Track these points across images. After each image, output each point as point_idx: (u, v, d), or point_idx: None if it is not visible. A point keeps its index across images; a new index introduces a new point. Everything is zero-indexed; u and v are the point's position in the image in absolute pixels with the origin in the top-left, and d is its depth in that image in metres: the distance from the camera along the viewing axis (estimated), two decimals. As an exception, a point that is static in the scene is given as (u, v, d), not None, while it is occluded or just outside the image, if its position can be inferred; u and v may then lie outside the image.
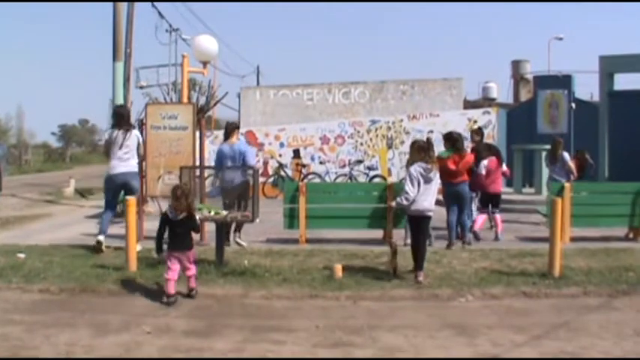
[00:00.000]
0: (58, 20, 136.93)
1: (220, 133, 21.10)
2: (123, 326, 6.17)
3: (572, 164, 12.32)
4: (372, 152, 20.22)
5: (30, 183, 26.80)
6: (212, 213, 8.25)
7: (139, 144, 9.78)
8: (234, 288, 7.36)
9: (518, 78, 33.39)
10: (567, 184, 10.79)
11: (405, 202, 7.83)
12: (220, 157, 10.26)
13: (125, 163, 9.59)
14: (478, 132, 12.05)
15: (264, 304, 6.94)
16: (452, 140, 9.92)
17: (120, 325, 6.22)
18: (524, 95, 31.06)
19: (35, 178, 31.18)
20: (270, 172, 19.90)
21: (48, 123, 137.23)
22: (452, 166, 9.66)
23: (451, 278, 7.76)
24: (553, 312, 6.65)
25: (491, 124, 19.28)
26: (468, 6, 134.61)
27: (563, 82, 20.86)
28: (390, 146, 20.15)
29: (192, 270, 7.16)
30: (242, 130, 18.99)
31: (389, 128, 20.20)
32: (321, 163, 20.27)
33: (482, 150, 11.08)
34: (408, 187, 7.80)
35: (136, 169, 9.78)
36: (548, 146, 14.86)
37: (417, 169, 7.85)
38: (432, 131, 18.22)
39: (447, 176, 9.43)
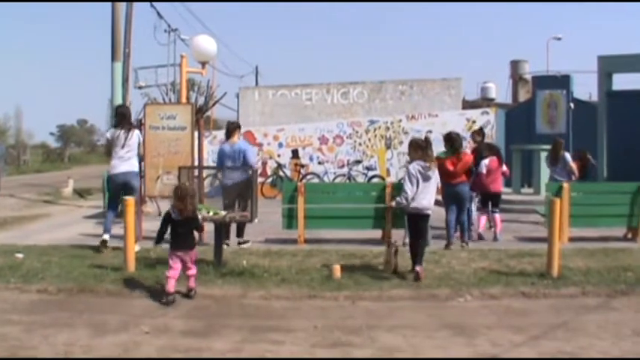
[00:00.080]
0: (56, 20, 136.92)
1: (219, 134, 21.16)
2: (121, 326, 6.17)
3: (573, 165, 12.34)
4: (370, 152, 20.22)
5: (28, 183, 26.80)
6: (211, 213, 8.26)
7: (139, 144, 9.80)
8: (232, 288, 7.35)
9: (516, 78, 33.42)
10: (565, 185, 10.79)
11: (404, 202, 7.86)
12: (221, 156, 10.29)
13: (126, 162, 9.61)
14: (479, 132, 12.14)
15: (262, 305, 6.94)
16: (450, 141, 9.94)
17: (118, 325, 6.21)
18: (523, 95, 31.09)
19: (33, 179, 31.18)
20: (269, 172, 19.89)
21: (46, 123, 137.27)
22: (450, 167, 9.68)
23: (450, 278, 7.76)
24: (551, 312, 6.65)
25: (490, 124, 19.28)
26: (467, 6, 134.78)
27: (562, 82, 20.87)
28: (388, 146, 20.15)
29: (193, 270, 7.16)
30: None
31: (387, 128, 20.20)
32: (319, 163, 20.26)
33: (483, 150, 11.16)
34: (406, 185, 7.84)
35: (136, 168, 9.80)
36: (546, 146, 14.89)
37: (415, 167, 7.89)
38: (430, 131, 18.19)
39: (445, 177, 9.44)
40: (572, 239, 10.29)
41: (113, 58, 15.81)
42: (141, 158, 10.03)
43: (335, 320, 6.38)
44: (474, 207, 11.13)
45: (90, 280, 7.62)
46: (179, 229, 7.10)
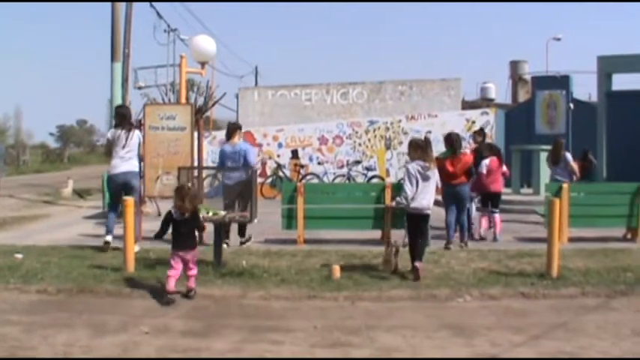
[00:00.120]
0: (56, 20, 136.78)
1: (219, 134, 21.20)
2: (121, 327, 6.17)
3: (574, 165, 12.35)
4: (370, 153, 20.22)
5: (28, 183, 26.80)
6: (210, 214, 8.26)
7: (139, 144, 9.81)
8: (232, 288, 7.35)
9: (516, 78, 33.45)
10: (565, 185, 10.80)
11: (404, 202, 7.88)
12: (222, 157, 10.33)
13: (127, 162, 9.62)
14: (480, 133, 12.19)
15: (262, 305, 6.93)
16: (450, 141, 9.98)
17: (118, 325, 6.21)
18: (523, 96, 31.11)
19: (33, 179, 31.18)
20: (269, 172, 19.90)
21: (46, 123, 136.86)
22: (450, 168, 9.70)
23: (449, 278, 7.76)
24: (551, 312, 6.65)
25: (490, 124, 19.29)
26: (466, 6, 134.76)
27: (562, 82, 20.89)
28: (388, 147, 20.16)
29: (194, 270, 7.17)
30: (241, 130, 18.98)
31: (387, 129, 20.21)
32: (319, 163, 20.27)
33: (483, 150, 11.19)
34: (406, 185, 7.87)
35: (137, 168, 9.81)
36: (546, 147, 14.90)
37: (414, 167, 7.91)
38: (430, 132, 18.21)
39: (446, 177, 9.46)
40: (571, 239, 10.29)
41: (113, 59, 15.82)
42: (141, 158, 10.03)
43: (334, 320, 6.38)
44: (473, 207, 11.14)
45: (89, 281, 7.62)
46: (181, 228, 7.11)
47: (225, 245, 9.31)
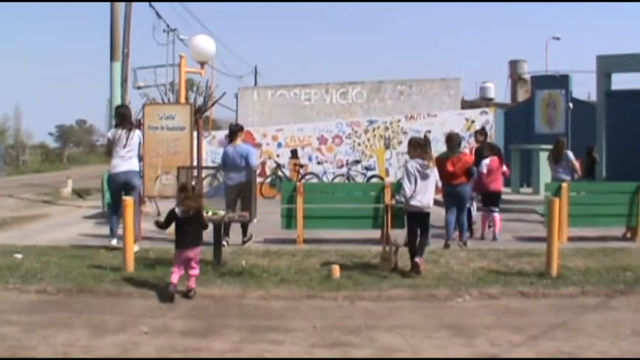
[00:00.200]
0: (55, 20, 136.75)
1: (218, 134, 21.21)
2: (120, 326, 6.17)
3: (576, 163, 12.38)
4: (369, 152, 20.21)
5: (27, 183, 26.78)
6: (210, 213, 8.26)
7: (140, 144, 9.82)
8: (231, 288, 7.35)
9: (515, 78, 33.42)
10: (565, 184, 10.80)
11: (403, 199, 7.92)
12: (225, 159, 10.40)
13: (127, 161, 9.63)
14: (482, 132, 12.21)
15: (261, 305, 6.94)
16: (450, 141, 10.03)
17: (117, 325, 6.21)
18: (522, 95, 31.10)
19: (33, 179, 31.16)
20: (268, 172, 19.89)
21: (45, 123, 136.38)
22: (450, 168, 9.71)
23: (449, 278, 7.77)
24: (551, 312, 6.65)
25: (489, 124, 19.27)
26: (465, 6, 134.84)
27: (561, 82, 20.89)
28: (387, 146, 20.15)
29: (196, 270, 7.19)
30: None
31: (386, 128, 20.20)
32: (318, 163, 20.26)
33: (484, 149, 11.21)
34: (405, 183, 7.93)
35: (137, 168, 9.82)
36: (545, 146, 14.91)
37: (413, 165, 7.97)
38: (429, 131, 18.18)
39: (446, 177, 9.48)
40: (571, 239, 10.29)
41: (112, 58, 15.81)
42: (141, 158, 10.04)
43: (334, 320, 6.38)
44: (474, 207, 11.16)
45: (89, 281, 7.62)
46: (185, 226, 7.15)
47: (225, 243, 9.34)
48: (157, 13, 19.26)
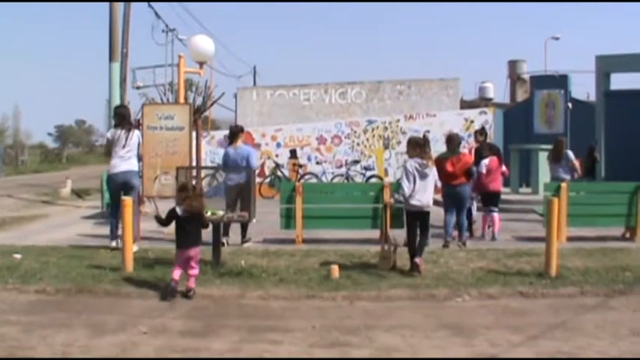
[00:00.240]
0: (54, 20, 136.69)
1: (217, 134, 21.21)
2: (119, 326, 6.16)
3: (576, 162, 12.38)
4: (368, 152, 20.21)
5: (26, 184, 26.76)
6: (209, 213, 8.25)
7: (139, 144, 9.81)
8: (230, 288, 7.35)
9: (514, 78, 33.46)
10: (564, 184, 10.80)
11: (401, 198, 7.96)
12: (226, 160, 10.42)
13: (126, 162, 9.62)
14: (482, 132, 12.21)
15: (261, 305, 6.93)
16: (450, 142, 10.07)
17: (116, 325, 6.20)
18: (521, 95, 31.13)
19: (32, 179, 31.13)
20: (267, 172, 19.89)
21: (44, 123, 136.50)
22: (450, 168, 9.72)
23: (448, 278, 7.77)
24: (550, 312, 6.65)
25: (488, 124, 19.27)
26: (464, 6, 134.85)
27: (560, 82, 20.91)
28: (386, 146, 20.15)
29: (196, 270, 7.20)
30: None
31: (385, 128, 20.20)
32: (317, 163, 20.26)
33: (484, 149, 11.22)
34: (403, 182, 7.96)
35: (136, 168, 9.82)
36: (544, 146, 14.92)
37: (412, 164, 8.00)
38: (428, 131, 18.17)
39: (446, 178, 9.50)
40: (570, 239, 10.29)
41: (111, 59, 15.81)
42: (140, 158, 10.03)
43: (333, 320, 6.38)
44: (474, 206, 11.18)
45: (88, 281, 7.62)
46: (186, 226, 7.15)
47: (224, 242, 9.34)
48: (156, 13, 19.24)
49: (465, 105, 25.59)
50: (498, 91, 34.61)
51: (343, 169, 19.72)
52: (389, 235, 8.82)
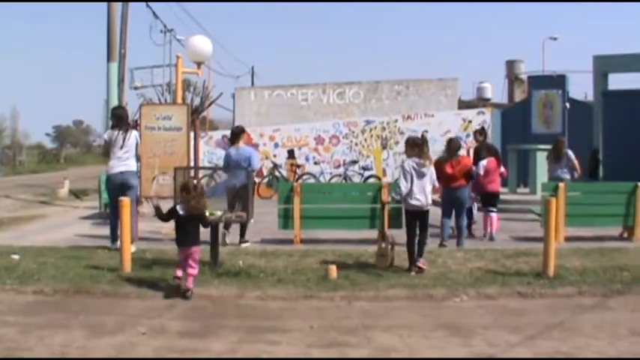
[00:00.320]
0: (52, 20, 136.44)
1: (215, 134, 21.20)
2: (117, 327, 6.15)
3: (576, 162, 12.40)
4: (366, 152, 20.22)
5: (24, 184, 26.73)
6: (207, 213, 8.24)
7: (137, 144, 9.80)
8: (229, 289, 7.35)
9: (512, 78, 33.50)
10: (561, 184, 10.81)
11: (398, 197, 7.98)
12: (227, 161, 10.43)
13: (124, 162, 9.61)
14: (481, 132, 12.22)
15: (259, 305, 6.93)
16: (449, 144, 10.14)
17: (114, 326, 6.20)
18: (519, 95, 31.16)
19: (29, 179, 31.10)
20: (265, 172, 19.88)
21: (42, 124, 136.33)
22: (449, 170, 9.73)
23: (446, 278, 7.77)
24: (548, 312, 6.66)
25: (486, 124, 19.28)
26: (463, 6, 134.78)
27: (558, 82, 20.91)
28: (384, 146, 20.16)
29: (195, 270, 7.21)
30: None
31: (383, 128, 20.20)
32: (315, 163, 20.26)
33: (482, 150, 11.23)
34: (401, 182, 8.01)
35: (134, 168, 9.81)
36: (543, 146, 14.93)
37: (409, 163, 8.03)
38: (426, 131, 18.22)
39: (445, 180, 9.52)
40: (568, 239, 10.30)
41: (109, 59, 15.81)
42: (138, 159, 10.02)
43: (331, 320, 6.38)
44: (474, 206, 11.20)
45: (86, 281, 7.60)
46: (187, 226, 7.17)
47: (225, 232, 9.34)
48: (154, 14, 19.23)
49: (463, 105, 25.61)
50: (496, 91, 34.74)
51: (341, 170, 19.72)
52: (386, 233, 8.83)
